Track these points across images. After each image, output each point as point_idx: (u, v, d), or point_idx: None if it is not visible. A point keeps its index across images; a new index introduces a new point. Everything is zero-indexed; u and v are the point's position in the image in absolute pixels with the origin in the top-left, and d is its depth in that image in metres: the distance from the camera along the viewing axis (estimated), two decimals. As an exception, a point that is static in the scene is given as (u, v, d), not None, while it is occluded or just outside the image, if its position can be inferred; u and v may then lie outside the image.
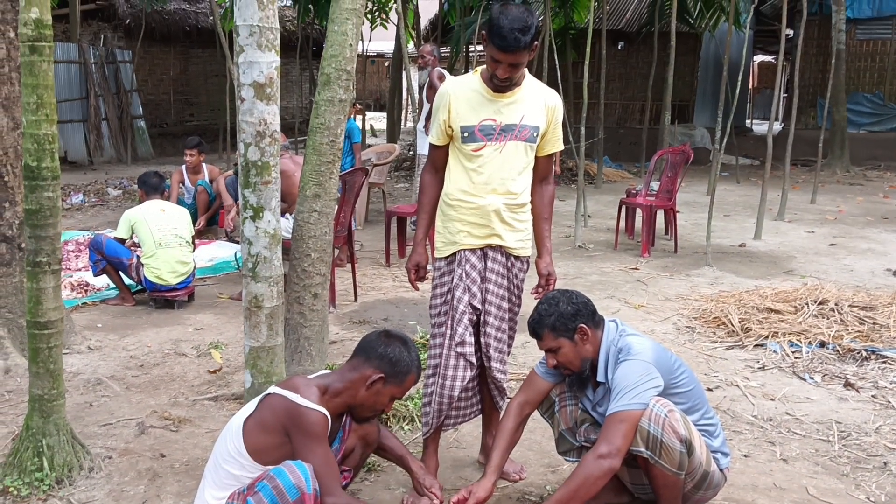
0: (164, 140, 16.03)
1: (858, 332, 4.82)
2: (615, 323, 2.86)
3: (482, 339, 3.08)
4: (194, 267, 5.77)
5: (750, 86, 23.32)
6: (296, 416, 2.45)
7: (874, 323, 4.93)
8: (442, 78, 7.32)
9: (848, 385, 4.23)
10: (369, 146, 11.36)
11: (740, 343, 4.90)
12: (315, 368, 3.79)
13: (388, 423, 3.71)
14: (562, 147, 3.21)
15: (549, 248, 3.24)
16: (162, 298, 5.59)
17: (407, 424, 3.71)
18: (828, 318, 5.02)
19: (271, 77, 2.80)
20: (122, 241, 5.65)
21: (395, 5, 13.01)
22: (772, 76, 8.92)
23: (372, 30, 18.04)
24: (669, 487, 2.70)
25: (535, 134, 3.02)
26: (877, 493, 3.16)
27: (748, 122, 22.07)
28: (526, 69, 3.02)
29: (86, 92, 14.17)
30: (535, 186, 3.16)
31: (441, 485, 2.85)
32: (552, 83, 8.58)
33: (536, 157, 3.12)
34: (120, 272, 5.63)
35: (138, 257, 5.57)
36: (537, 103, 3.04)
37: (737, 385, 4.28)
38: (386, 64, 26.81)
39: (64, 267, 6.42)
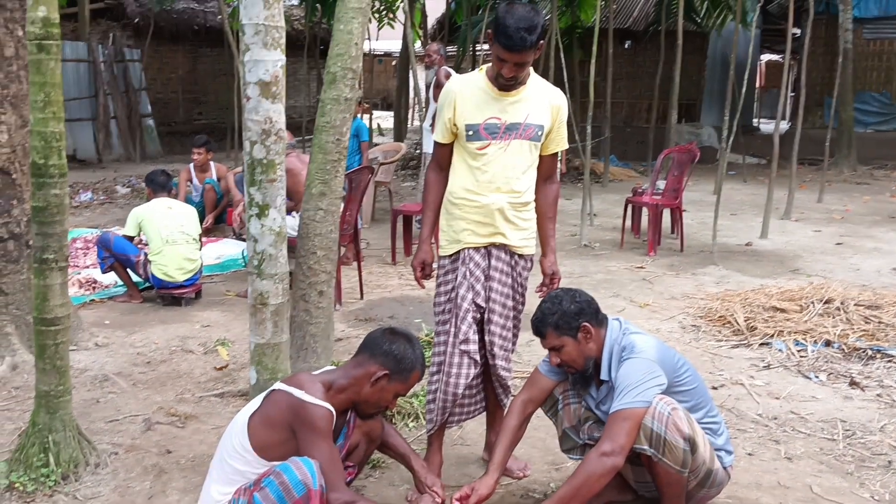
0: (172, 138, 16.08)
1: (864, 331, 4.81)
2: (618, 321, 2.87)
3: (486, 337, 3.09)
4: (201, 264, 5.80)
5: (757, 85, 23.23)
6: (301, 412, 2.46)
7: (880, 322, 4.92)
8: (448, 77, 7.33)
9: (853, 384, 4.23)
10: (376, 145, 11.38)
11: (746, 342, 4.90)
12: (321, 365, 3.80)
13: (393, 420, 3.72)
14: (566, 146, 3.21)
15: (554, 246, 3.24)
16: (169, 295, 5.62)
17: (412, 421, 3.73)
18: (833, 317, 5.01)
19: (277, 75, 2.82)
20: (131, 239, 5.69)
21: (402, 4, 13.02)
22: (779, 75, 8.90)
23: (379, 29, 18.03)
24: (673, 485, 2.71)
25: (539, 133, 3.03)
26: (881, 491, 3.16)
27: (755, 121, 22.01)
28: (531, 68, 3.03)
29: (95, 90, 14.23)
30: (540, 185, 3.16)
31: (443, 483, 2.86)
32: (558, 82, 8.59)
33: (541, 156, 3.13)
34: (128, 269, 5.66)
35: (146, 254, 5.60)
36: (542, 102, 3.04)
37: (742, 384, 4.28)
38: (393, 63, 26.82)
39: (72, 264, 6.46)
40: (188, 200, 7.72)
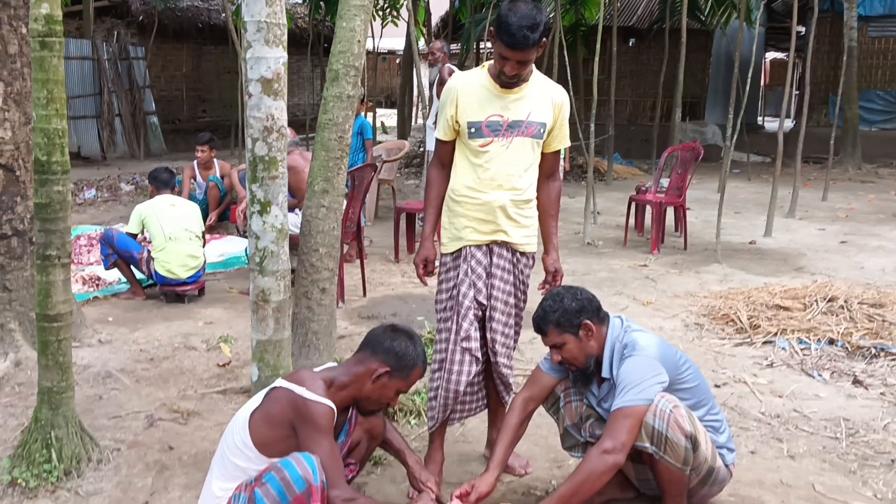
0: (176, 136, 16.11)
1: (867, 329, 4.79)
2: (620, 319, 2.86)
3: (488, 335, 3.09)
4: (205, 261, 5.81)
5: (762, 83, 23.18)
6: (302, 409, 2.47)
7: (883, 320, 4.90)
8: (452, 74, 7.33)
9: (856, 382, 4.22)
10: (380, 143, 11.38)
11: (749, 340, 4.89)
12: (323, 362, 3.80)
13: (396, 417, 3.72)
14: (568, 144, 3.21)
15: (556, 244, 3.24)
16: (172, 292, 5.63)
17: (414, 419, 3.73)
18: (837, 316, 5.00)
19: (279, 72, 2.82)
20: (134, 236, 5.70)
21: (405, 2, 13.02)
22: (784, 73, 8.86)
23: (383, 27, 18.05)
24: (674, 483, 2.70)
25: (541, 130, 3.02)
26: (884, 490, 3.15)
27: (760, 119, 21.97)
28: (533, 65, 3.02)
29: (99, 88, 14.27)
30: (542, 183, 3.16)
31: (438, 480, 2.86)
32: (562, 80, 8.58)
33: (543, 154, 3.12)
34: (131, 266, 5.67)
35: (149, 251, 5.61)
36: (544, 99, 3.04)
37: (745, 382, 4.27)
38: (397, 61, 26.81)
39: (76, 261, 6.48)
40: (192, 198, 7.74)
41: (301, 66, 18.74)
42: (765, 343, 4.83)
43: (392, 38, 23.04)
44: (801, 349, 4.67)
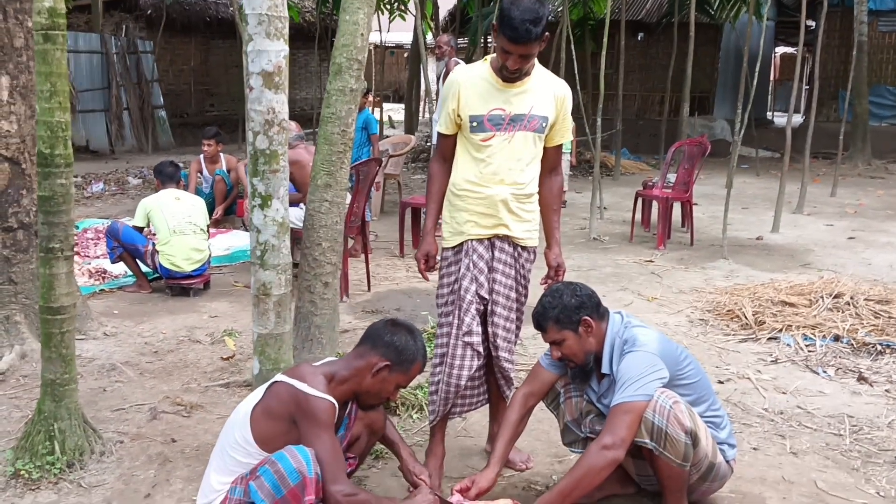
0: (184, 130, 16.15)
1: (873, 325, 4.77)
2: (620, 315, 2.85)
3: (490, 329, 3.08)
4: (209, 255, 5.82)
5: (772, 78, 23.04)
6: (303, 404, 2.47)
7: (890, 317, 4.87)
8: (458, 68, 7.30)
9: (861, 379, 4.20)
10: (387, 137, 11.37)
11: (754, 336, 4.87)
12: (325, 357, 3.81)
13: (398, 412, 3.73)
14: (570, 138, 3.20)
15: (559, 238, 3.23)
16: (178, 286, 5.65)
17: (416, 413, 3.73)
18: (843, 312, 4.97)
19: (280, 66, 2.81)
20: (140, 230, 5.72)
21: (413, -4, 13.00)
22: (794, 68, 8.79)
23: (391, 21, 18.01)
24: (674, 479, 2.70)
25: (543, 124, 3.01)
26: (887, 487, 3.13)
27: (769, 114, 21.84)
28: (536, 59, 3.01)
29: (108, 82, 14.31)
30: (544, 177, 3.15)
31: (430, 472, 2.86)
32: (569, 74, 8.57)
33: (545, 148, 3.11)
34: (136, 259, 5.69)
35: (154, 244, 5.63)
36: (547, 93, 3.03)
37: (748, 378, 4.26)
38: (405, 55, 26.78)
39: (83, 254, 6.51)
40: (198, 192, 7.75)
41: (308, 60, 18.74)
42: (769, 339, 4.82)
43: (400, 32, 22.99)
44: (806, 345, 4.65)
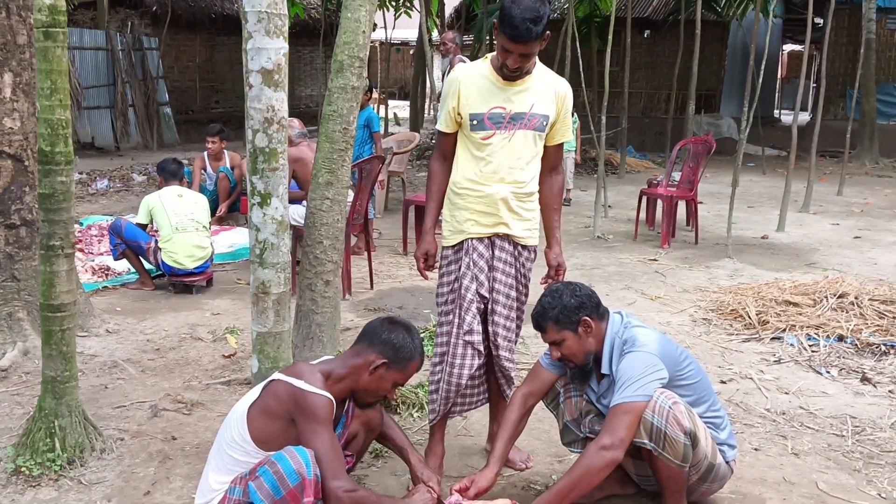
0: (189, 126, 16.16)
1: (878, 326, 4.74)
2: (620, 315, 2.84)
3: (490, 328, 3.07)
4: (212, 252, 5.83)
5: (779, 75, 22.96)
6: (300, 401, 2.46)
7: (894, 317, 4.84)
8: (462, 66, 7.29)
9: (865, 380, 4.17)
10: (391, 134, 11.36)
11: (757, 336, 4.85)
12: (326, 355, 3.81)
13: (398, 410, 3.72)
14: (571, 137, 3.18)
15: (559, 238, 3.22)
16: (180, 283, 5.65)
17: (416, 412, 3.72)
18: (847, 312, 4.94)
19: (279, 63, 2.81)
20: (143, 227, 5.73)
21: (418, -7, 12.98)
22: (802, 66, 8.77)
23: (396, 18, 18.01)
24: (673, 479, 2.68)
25: (544, 123, 3.00)
26: (888, 489, 3.11)
27: (777, 112, 21.77)
28: (537, 57, 2.99)
29: (113, 78, 14.33)
30: (544, 176, 3.13)
31: (440, 479, 2.85)
32: (574, 72, 8.54)
33: (546, 147, 3.10)
34: (139, 256, 5.70)
35: (156, 241, 5.64)
36: (547, 92, 3.01)
37: (751, 378, 4.24)
38: (411, 52, 26.75)
39: (86, 251, 6.52)
40: (202, 189, 7.75)
41: (313, 57, 18.73)
42: (773, 339, 4.80)
43: (406, 29, 22.99)
44: (810, 346, 4.63)
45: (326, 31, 16.18)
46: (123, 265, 5.95)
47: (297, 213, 5.33)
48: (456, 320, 3.04)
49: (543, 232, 3.21)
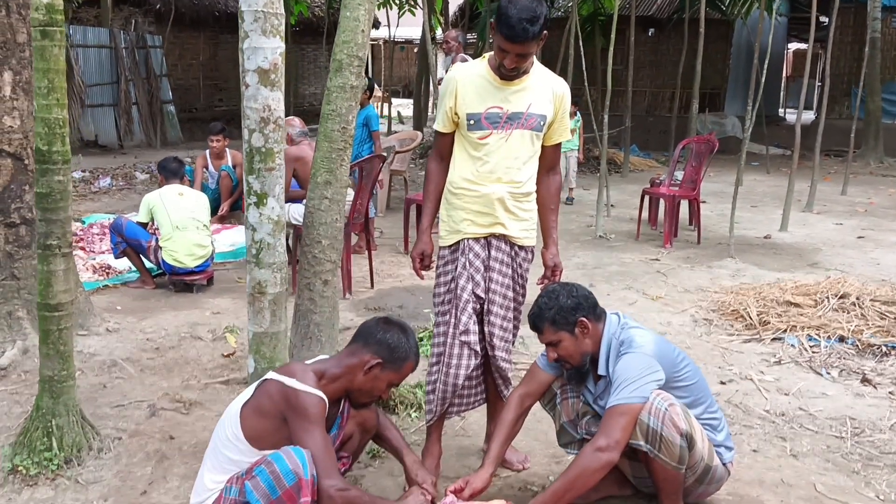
0: (193, 125, 16.18)
1: (879, 327, 4.72)
2: (617, 316, 2.83)
3: (486, 328, 3.06)
4: (213, 251, 5.83)
5: (785, 74, 22.87)
6: (293, 400, 2.46)
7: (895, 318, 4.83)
8: (465, 64, 7.27)
9: (865, 381, 4.15)
10: (394, 133, 11.35)
11: (757, 336, 4.83)
12: (325, 354, 3.80)
13: (397, 410, 3.72)
14: (569, 137, 3.17)
15: (556, 238, 3.21)
16: (181, 282, 5.66)
17: (414, 412, 3.72)
18: (848, 313, 4.92)
19: (276, 63, 2.80)
20: (144, 226, 5.73)
21: (422, -9, 12.96)
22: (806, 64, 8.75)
23: (400, 16, 17.99)
24: (670, 481, 2.68)
25: (541, 123, 2.99)
26: (887, 491, 3.10)
27: (781, 111, 21.69)
28: (534, 56, 2.98)
29: (117, 76, 14.36)
30: (542, 176, 3.12)
31: (434, 479, 2.84)
32: (577, 70, 8.52)
33: (544, 147, 3.09)
34: (140, 255, 5.70)
35: (157, 240, 5.64)
36: (545, 92, 3.00)
37: (751, 379, 4.22)
38: (415, 50, 26.73)
39: (87, 249, 6.53)
40: (204, 187, 7.76)
41: (317, 55, 18.74)
42: (774, 340, 4.78)
43: (410, 27, 22.98)
44: (811, 346, 4.61)
45: (330, 29, 16.19)
46: (124, 264, 5.95)
47: (298, 212, 5.33)
48: (452, 320, 3.03)
49: (540, 232, 3.20)
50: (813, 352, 4.55)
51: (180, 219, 5.57)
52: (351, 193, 5.56)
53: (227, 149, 8.16)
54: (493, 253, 3.04)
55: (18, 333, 4.35)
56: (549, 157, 3.12)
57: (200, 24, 17.15)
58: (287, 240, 6.08)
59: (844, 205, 9.92)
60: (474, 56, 12.03)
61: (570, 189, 9.98)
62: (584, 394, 2.92)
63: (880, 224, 8.71)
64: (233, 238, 7.09)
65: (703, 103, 14.93)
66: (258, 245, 2.96)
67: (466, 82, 2.98)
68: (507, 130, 2.96)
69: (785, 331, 4.81)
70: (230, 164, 8.08)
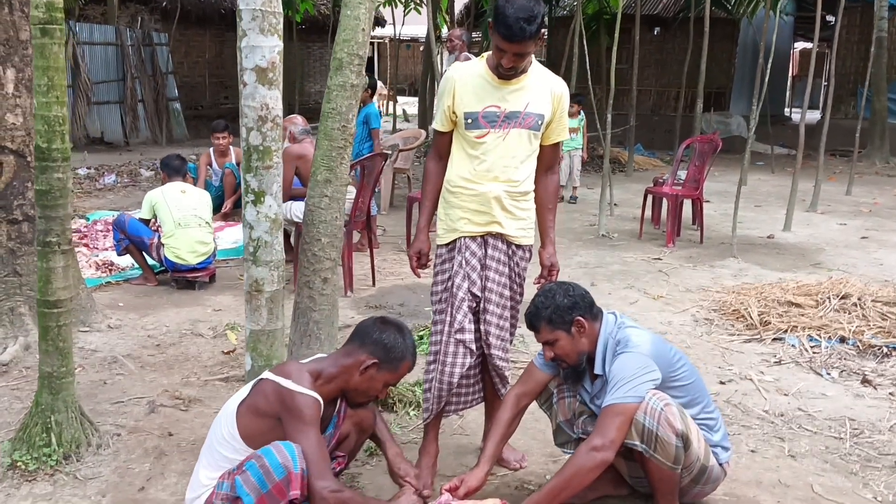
0: (198, 122, 16.21)
1: (880, 328, 4.70)
2: (614, 315, 2.83)
3: (482, 327, 3.06)
4: (215, 248, 5.85)
5: (790, 74, 22.80)
6: (287, 401, 2.47)
7: (897, 319, 4.81)
8: (467, 63, 7.26)
9: (865, 382, 4.14)
10: (399, 130, 11.34)
11: (758, 336, 4.82)
12: (323, 352, 3.80)
13: (395, 408, 3.72)
14: (567, 136, 3.17)
15: (553, 238, 3.21)
16: (183, 279, 5.67)
17: (413, 410, 3.73)
18: (849, 313, 4.91)
19: (273, 61, 2.81)
20: (147, 222, 5.75)
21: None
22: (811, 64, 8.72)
23: (405, 14, 18.00)
24: (665, 481, 2.68)
25: (539, 122, 2.99)
26: (885, 492, 3.09)
27: (787, 110, 21.62)
28: (533, 56, 2.98)
29: (123, 74, 14.40)
30: (540, 176, 3.12)
31: (423, 470, 2.84)
32: (582, 69, 8.51)
33: (542, 146, 3.09)
34: (142, 252, 5.72)
35: (159, 237, 5.66)
36: (543, 91, 3.00)
37: (751, 379, 4.22)
38: (421, 48, 26.73)
39: (91, 246, 6.56)
40: (208, 185, 7.78)
41: (322, 53, 18.76)
42: (774, 340, 4.77)
43: (416, 25, 22.98)
44: (811, 347, 4.60)
45: (336, 28, 16.19)
46: (127, 260, 5.98)
47: (300, 209, 5.34)
48: (448, 318, 3.03)
49: (538, 231, 3.20)
50: (813, 352, 4.54)
51: (182, 216, 5.59)
52: (353, 191, 5.57)
53: (231, 146, 8.18)
54: (489, 251, 3.04)
55: (20, 329, 4.37)
56: (548, 157, 3.12)
57: (206, 22, 17.18)
58: (289, 237, 6.13)
59: (849, 205, 9.89)
60: (478, 55, 12.04)
61: (574, 188, 9.97)
62: (580, 393, 2.92)
63: (884, 224, 8.68)
64: (235, 235, 7.10)
65: (709, 102, 14.91)
66: (255, 243, 2.97)
67: (464, 81, 2.98)
68: (504, 129, 2.96)
69: (786, 331, 4.80)
70: (234, 161, 8.09)
